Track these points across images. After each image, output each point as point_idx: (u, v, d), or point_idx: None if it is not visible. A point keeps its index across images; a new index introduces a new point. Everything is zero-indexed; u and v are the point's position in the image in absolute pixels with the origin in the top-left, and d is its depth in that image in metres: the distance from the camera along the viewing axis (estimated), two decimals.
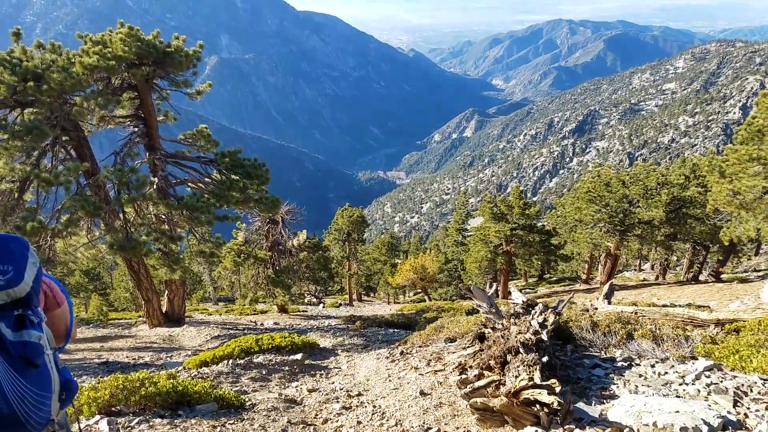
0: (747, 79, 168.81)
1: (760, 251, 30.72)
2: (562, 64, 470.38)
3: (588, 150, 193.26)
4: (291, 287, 20.26)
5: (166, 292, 15.21)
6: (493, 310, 9.49)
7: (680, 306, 13.99)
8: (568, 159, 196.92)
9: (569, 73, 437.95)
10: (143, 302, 14.69)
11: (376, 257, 43.15)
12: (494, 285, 29.46)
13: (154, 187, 11.49)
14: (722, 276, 24.74)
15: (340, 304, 31.63)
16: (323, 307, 28.43)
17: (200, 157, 12.84)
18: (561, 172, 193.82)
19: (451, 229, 48.51)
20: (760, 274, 24.24)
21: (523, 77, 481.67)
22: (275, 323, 16.56)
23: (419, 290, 39.70)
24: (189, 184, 12.96)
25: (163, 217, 12.43)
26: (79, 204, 9.98)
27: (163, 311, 15.02)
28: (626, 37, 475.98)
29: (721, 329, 9.65)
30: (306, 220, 22.70)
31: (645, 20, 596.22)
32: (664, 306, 14.08)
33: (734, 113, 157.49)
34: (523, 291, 33.11)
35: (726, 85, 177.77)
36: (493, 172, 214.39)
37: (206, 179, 12.64)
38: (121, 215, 11.57)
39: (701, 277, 25.53)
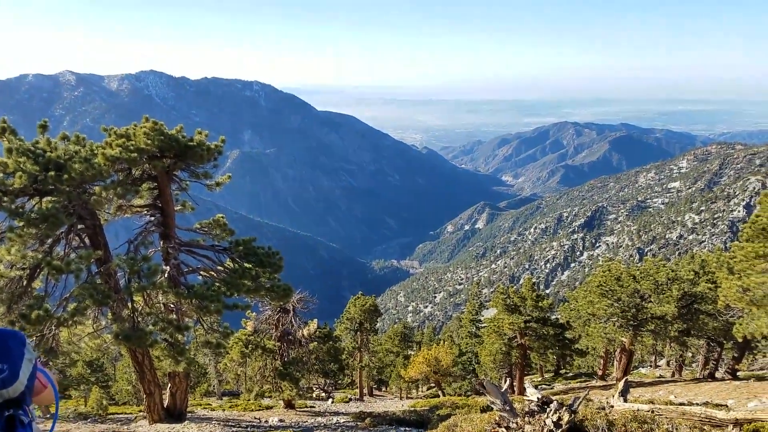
0: (749, 179, 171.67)
1: None
2: (569, 162, 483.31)
3: (598, 244, 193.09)
4: (299, 380, 19.75)
5: (169, 384, 14.80)
6: (507, 408, 9.32)
7: (697, 404, 13.50)
8: (578, 253, 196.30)
9: (576, 171, 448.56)
10: (145, 396, 14.20)
11: (388, 348, 42.14)
12: (508, 380, 28.53)
13: (166, 275, 11.61)
14: (738, 373, 23.84)
15: (350, 399, 30.53)
16: (332, 402, 27.49)
17: (214, 246, 13.14)
18: (572, 265, 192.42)
19: (464, 320, 47.72)
20: None
21: (532, 174, 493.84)
22: (280, 420, 16.08)
23: (432, 384, 38.33)
24: (201, 272, 13.13)
25: (172, 306, 12.43)
26: (88, 292, 10.02)
27: (165, 405, 14.51)
28: (630, 139, 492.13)
29: (740, 429, 9.34)
30: (318, 308, 22.62)
31: (647, 123, 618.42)
32: (681, 404, 13.58)
33: (739, 211, 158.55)
34: (539, 387, 31.84)
35: (729, 185, 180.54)
36: (506, 263, 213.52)
37: (218, 267, 12.81)
38: (129, 304, 11.52)
39: (717, 374, 24.57)
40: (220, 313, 11.70)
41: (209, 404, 25.03)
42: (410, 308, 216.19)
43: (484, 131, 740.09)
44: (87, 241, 11.92)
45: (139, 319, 11.56)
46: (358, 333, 35.18)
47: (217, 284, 11.82)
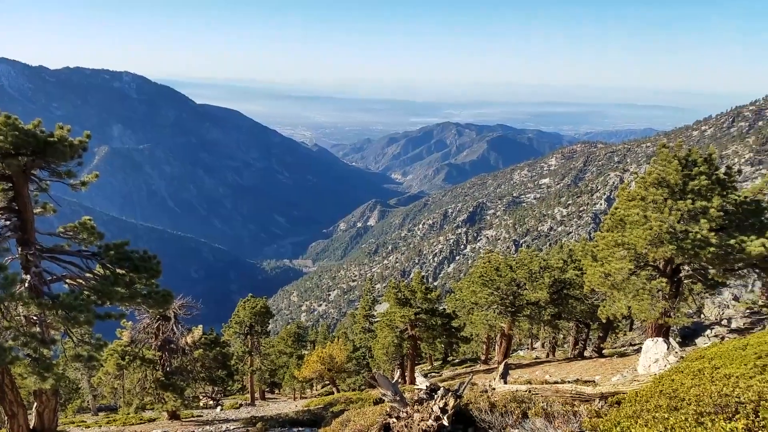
0: (609, 175, 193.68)
1: (634, 327, 33.72)
2: (452, 161, 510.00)
3: (479, 238, 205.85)
4: (184, 390, 18.65)
5: (35, 404, 13.36)
6: (398, 398, 9.54)
7: (569, 382, 14.87)
8: (462, 246, 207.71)
9: (459, 169, 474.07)
10: (7, 418, 12.67)
11: (281, 349, 41.27)
12: (399, 371, 29.31)
13: (26, 285, 10.52)
14: (604, 351, 26.71)
15: (241, 405, 29.45)
16: (221, 409, 26.31)
17: (81, 251, 11.99)
18: (457, 258, 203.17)
19: (358, 316, 48.26)
20: (635, 347, 26.48)
21: (419, 172, 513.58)
22: None
23: (327, 382, 38.23)
24: (67, 280, 11.97)
25: (35, 318, 11.26)
26: None
27: (31, 427, 13.07)
28: (505, 139, 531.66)
29: (605, 402, 10.40)
30: (204, 314, 21.46)
31: (521, 124, 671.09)
32: (555, 383, 14.88)
33: (601, 204, 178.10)
34: (428, 375, 33.17)
35: (592, 180, 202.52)
36: (397, 258, 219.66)
37: (87, 274, 11.75)
38: None
39: (586, 353, 27.36)
40: (90, 324, 10.72)
41: (83, 421, 22.78)
42: (304, 308, 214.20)
43: (374, 130, 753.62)
44: None
45: None
46: (249, 336, 34.09)
47: (87, 293, 10.82)
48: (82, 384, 31.71)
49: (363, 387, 34.10)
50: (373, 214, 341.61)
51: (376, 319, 40.28)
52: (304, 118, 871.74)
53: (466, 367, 34.84)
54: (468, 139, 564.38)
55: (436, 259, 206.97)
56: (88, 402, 33.90)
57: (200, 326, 20.80)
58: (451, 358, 44.15)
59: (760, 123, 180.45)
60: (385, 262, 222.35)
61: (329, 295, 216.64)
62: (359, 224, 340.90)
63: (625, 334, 32.19)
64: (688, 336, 21.44)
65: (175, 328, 19.10)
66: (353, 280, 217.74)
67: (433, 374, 33.13)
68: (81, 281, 11.67)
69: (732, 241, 14.22)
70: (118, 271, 11.30)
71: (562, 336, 33.74)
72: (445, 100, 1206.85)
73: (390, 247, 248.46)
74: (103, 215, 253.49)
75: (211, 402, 27.91)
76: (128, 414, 20.99)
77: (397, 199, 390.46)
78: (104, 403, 35.61)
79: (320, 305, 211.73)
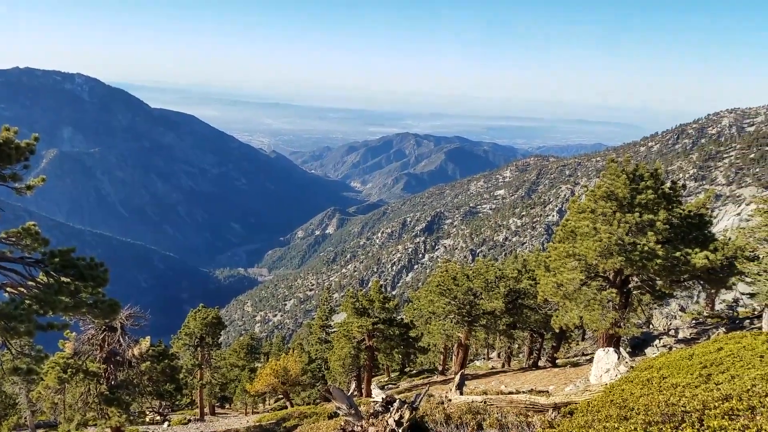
0: (560, 187, 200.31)
1: (586, 336, 34.75)
2: (411, 171, 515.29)
3: (437, 247, 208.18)
4: (130, 405, 17.82)
5: None
6: (353, 412, 9.42)
7: (524, 392, 15.10)
8: (421, 255, 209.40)
9: (417, 179, 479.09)
10: None
11: (233, 362, 40.15)
12: (354, 383, 29.06)
13: None
14: (557, 361, 27.35)
15: (189, 420, 28.43)
16: (168, 425, 25.32)
17: (24, 258, 11.35)
18: (416, 267, 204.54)
19: (314, 326, 47.57)
20: (588, 357, 27.26)
21: (378, 181, 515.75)
22: None
23: (281, 396, 37.44)
24: (8, 288, 11.28)
25: None
26: None
27: None
28: (463, 151, 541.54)
29: (558, 412, 10.58)
30: (153, 324, 20.60)
31: (477, 137, 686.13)
32: (510, 393, 15.08)
33: (553, 216, 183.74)
34: (386, 387, 33.04)
35: (545, 192, 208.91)
36: (355, 267, 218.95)
37: (29, 283, 11.11)
38: None
39: (540, 363, 27.94)
40: (31, 335, 10.17)
41: None
42: (258, 318, 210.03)
43: (333, 138, 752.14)
44: None
45: None
46: (199, 348, 33.03)
47: (28, 302, 10.23)
48: (19, 399, 29.84)
49: (318, 401, 33.61)
50: (332, 221, 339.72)
51: (333, 330, 39.88)
52: (263, 125, 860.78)
53: (423, 378, 34.91)
54: (426, 150, 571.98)
55: (394, 267, 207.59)
56: (25, 419, 31.90)
57: (148, 337, 19.94)
58: (408, 369, 44.16)
59: (703, 140, 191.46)
60: (344, 270, 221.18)
61: (285, 304, 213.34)
62: (317, 232, 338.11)
63: (577, 344, 33.07)
64: (638, 346, 22.21)
65: (121, 339, 18.23)
66: (310, 290, 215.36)
67: (390, 386, 33.04)
68: (22, 290, 11.02)
69: (677, 254, 14.87)
70: (62, 279, 10.74)
71: (517, 346, 34.37)
72: (404, 111, 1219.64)
73: (348, 256, 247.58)
74: (49, 221, 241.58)
75: (158, 417, 26.82)
76: (69, 431, 19.86)
77: (356, 207, 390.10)
78: (43, 419, 33.68)
79: (275, 315, 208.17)
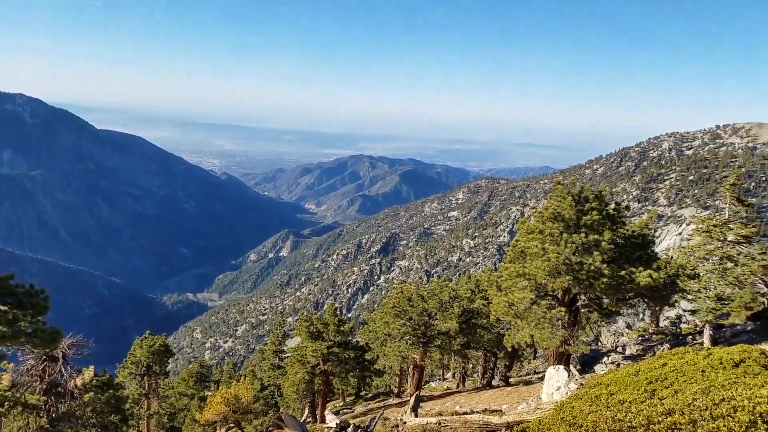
0: (511, 209, 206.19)
1: (538, 355, 35.49)
2: (366, 192, 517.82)
3: (393, 268, 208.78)
4: None
5: None
6: None
7: (477, 412, 15.24)
8: (376, 276, 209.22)
9: (372, 200, 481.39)
10: None
11: (182, 391, 38.55)
12: (307, 409, 28.45)
13: None
14: (510, 380, 27.78)
15: None
16: None
17: None
18: (371, 288, 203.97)
19: (267, 352, 46.37)
20: (540, 375, 27.82)
21: (333, 203, 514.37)
22: None
23: (232, 425, 36.11)
24: None
25: None
26: None
27: None
28: (416, 173, 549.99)
29: (511, 431, 10.74)
30: (97, 354, 19.57)
31: (430, 159, 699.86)
32: (465, 413, 15.18)
33: (504, 237, 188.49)
34: (341, 411, 32.50)
35: (496, 214, 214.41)
36: (310, 290, 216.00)
37: None
38: None
39: (494, 382, 28.29)
40: None
41: None
42: (208, 345, 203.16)
43: (287, 160, 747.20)
44: None
45: None
46: (146, 377, 31.68)
47: None
48: None
49: (270, 428, 32.65)
50: (286, 244, 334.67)
51: (286, 355, 39.07)
52: (213, 146, 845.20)
53: (379, 401, 34.59)
54: (381, 172, 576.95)
55: (350, 290, 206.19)
56: None
57: (92, 367, 18.92)
58: (364, 392, 43.62)
59: (645, 163, 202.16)
60: (298, 294, 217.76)
61: (236, 330, 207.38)
62: (271, 255, 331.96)
63: (529, 362, 33.70)
64: (587, 363, 22.88)
65: (63, 369, 17.22)
66: (263, 314, 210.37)
67: (345, 410, 32.53)
68: None
69: (623, 272, 15.55)
70: (0, 307, 10.13)
71: (471, 365, 34.68)
72: (358, 133, 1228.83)
73: (303, 279, 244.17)
74: None
75: None
76: None
77: (310, 230, 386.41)
78: None
79: (226, 342, 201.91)
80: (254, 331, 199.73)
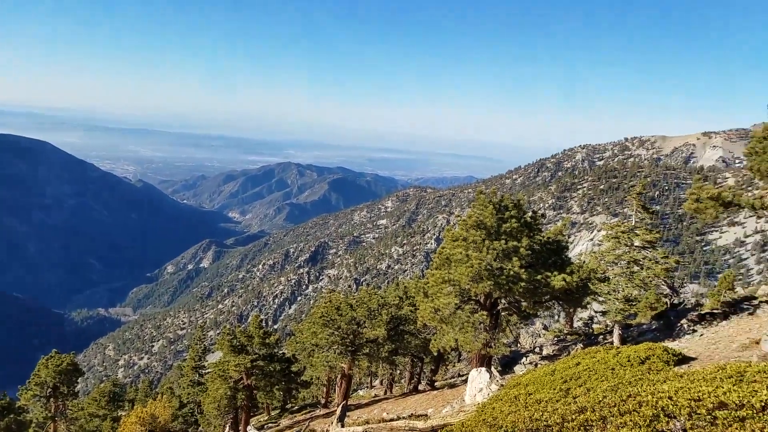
0: (437, 217, 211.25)
1: (462, 358, 36.36)
2: (294, 201, 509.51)
3: (321, 277, 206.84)
4: None
5: None
6: None
7: (404, 418, 15.30)
8: (304, 286, 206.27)
9: (300, 209, 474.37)
10: None
11: (92, 412, 35.87)
12: (230, 425, 27.35)
13: None
14: (436, 383, 28.23)
15: None
16: None
17: None
18: (299, 298, 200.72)
19: (186, 368, 44.08)
20: (463, 378, 28.47)
21: (259, 211, 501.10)
22: None
23: None
24: None
25: None
26: None
27: None
28: (346, 181, 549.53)
29: None
30: None
31: (359, 168, 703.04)
32: (392, 420, 15.19)
33: (431, 244, 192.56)
34: (265, 426, 31.53)
35: (423, 222, 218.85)
36: (234, 302, 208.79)
37: None
38: None
39: (421, 387, 28.63)
40: None
41: None
42: (122, 362, 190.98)
43: (209, 166, 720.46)
44: None
45: None
46: (52, 399, 29.17)
47: None
48: None
49: None
50: (207, 254, 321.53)
51: (207, 371, 37.42)
52: (128, 152, 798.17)
53: (305, 413, 33.91)
54: (309, 180, 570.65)
55: (276, 300, 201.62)
56: None
57: None
58: (290, 405, 42.62)
59: (560, 173, 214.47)
60: (220, 306, 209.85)
61: (153, 346, 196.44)
62: (190, 266, 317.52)
63: (454, 366, 34.47)
64: (507, 364, 23.70)
65: None
66: (182, 328, 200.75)
67: (270, 424, 31.57)
68: None
69: (539, 277, 16.30)
70: None
71: (399, 372, 34.93)
72: (285, 140, 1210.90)
73: (226, 290, 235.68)
74: None
75: None
76: None
77: (234, 239, 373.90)
78: None
79: (142, 358, 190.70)
80: (172, 347, 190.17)
